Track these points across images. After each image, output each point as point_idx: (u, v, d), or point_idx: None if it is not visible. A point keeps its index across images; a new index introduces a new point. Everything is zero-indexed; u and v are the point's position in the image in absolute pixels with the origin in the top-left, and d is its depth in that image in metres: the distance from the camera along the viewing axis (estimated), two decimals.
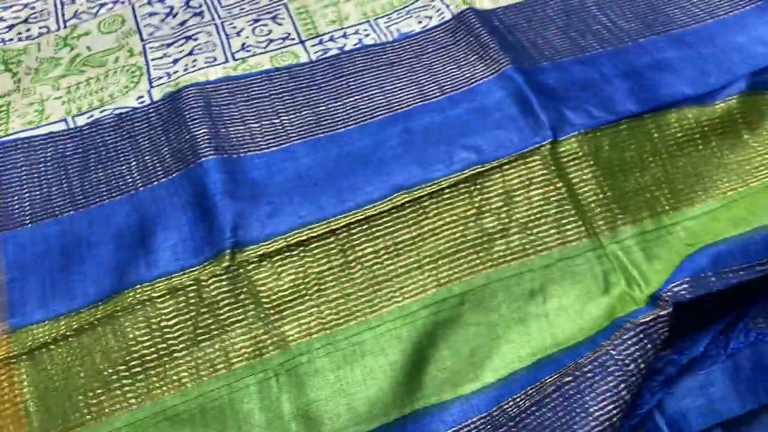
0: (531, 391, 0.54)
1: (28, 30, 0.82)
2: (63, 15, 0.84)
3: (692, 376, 0.55)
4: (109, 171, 0.67)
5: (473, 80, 0.71)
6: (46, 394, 0.56)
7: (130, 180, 0.66)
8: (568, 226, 0.61)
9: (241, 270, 0.59)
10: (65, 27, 0.82)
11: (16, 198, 0.66)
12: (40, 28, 0.82)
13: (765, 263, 0.55)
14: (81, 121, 0.70)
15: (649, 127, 0.66)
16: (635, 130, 0.65)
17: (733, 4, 0.75)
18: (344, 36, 0.77)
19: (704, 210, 0.62)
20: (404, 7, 0.80)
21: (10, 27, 0.83)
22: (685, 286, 0.54)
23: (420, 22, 0.78)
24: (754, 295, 0.57)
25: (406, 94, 0.71)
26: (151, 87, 0.73)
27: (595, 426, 0.50)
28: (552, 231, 0.61)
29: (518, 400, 0.54)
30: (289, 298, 0.58)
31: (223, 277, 0.58)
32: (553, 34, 0.75)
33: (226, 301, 0.58)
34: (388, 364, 0.56)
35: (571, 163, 0.63)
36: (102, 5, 0.84)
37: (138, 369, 0.56)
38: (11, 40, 0.81)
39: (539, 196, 0.62)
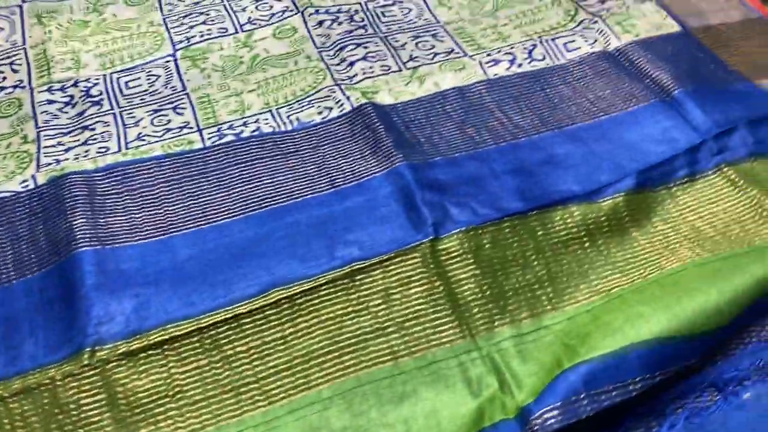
0: None
1: None
2: None
3: None
4: None
5: (364, 175, 0.70)
6: None
7: (5, 270, 0.64)
8: (444, 327, 0.59)
9: (99, 369, 0.56)
10: None
11: None
12: None
13: (638, 382, 0.54)
14: None
15: (533, 225, 0.65)
16: (519, 228, 0.65)
17: (627, 102, 0.77)
18: (244, 124, 0.77)
19: (587, 307, 0.61)
20: (306, 97, 0.80)
21: None
22: (556, 413, 0.52)
23: (320, 113, 0.78)
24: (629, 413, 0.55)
25: (297, 186, 0.70)
26: (37, 172, 0.71)
27: None
28: (428, 331, 0.59)
29: None
30: (148, 400, 0.55)
31: (80, 376, 0.55)
32: (449, 129, 0.75)
33: (81, 402, 0.55)
34: None
35: (451, 261, 0.62)
36: (2, 89, 0.83)
37: None
38: None
39: (417, 294, 0.61)
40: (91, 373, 0.56)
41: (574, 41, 0.84)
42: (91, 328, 0.57)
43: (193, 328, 0.58)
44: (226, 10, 0.95)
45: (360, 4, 0.95)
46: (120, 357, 0.56)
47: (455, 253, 0.62)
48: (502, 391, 0.56)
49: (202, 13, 0.95)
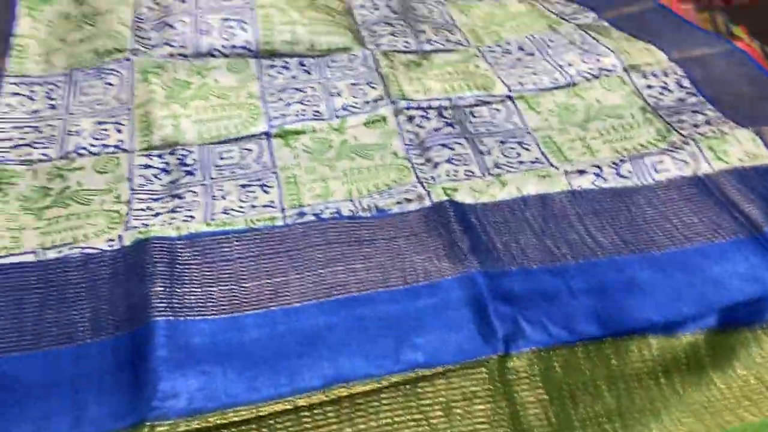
0: None
1: (29, 154, 0.85)
2: (65, 145, 0.87)
3: None
4: (63, 314, 0.67)
5: (437, 276, 0.70)
6: None
7: (81, 328, 0.65)
8: None
9: None
10: (65, 158, 0.85)
11: None
12: (41, 154, 0.86)
13: None
14: (50, 255, 0.71)
15: (608, 353, 0.63)
16: (592, 354, 0.63)
17: (714, 233, 0.74)
18: (325, 208, 0.78)
19: None
20: (388, 189, 0.81)
21: (15, 146, 0.86)
22: None
23: (399, 203, 0.79)
24: None
25: (369, 276, 0.70)
26: (125, 232, 0.74)
27: None
28: None
29: None
30: None
31: None
32: (527, 237, 0.75)
33: None
34: None
35: (519, 381, 0.61)
36: (105, 146, 0.87)
37: None
38: (12, 160, 0.84)
39: (480, 412, 0.59)
40: None
41: (662, 162, 0.82)
42: (155, 401, 0.58)
43: (252, 416, 0.58)
44: (322, 90, 0.98)
45: (449, 99, 0.96)
46: None
47: (524, 374, 0.61)
48: None
49: (298, 90, 0.98)
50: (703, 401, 0.61)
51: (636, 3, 1.19)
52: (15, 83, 0.95)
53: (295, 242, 0.74)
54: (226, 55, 1.03)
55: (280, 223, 0.76)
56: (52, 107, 0.93)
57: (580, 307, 0.67)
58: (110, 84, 0.96)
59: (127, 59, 0.99)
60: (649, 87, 0.96)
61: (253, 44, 1.04)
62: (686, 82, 0.97)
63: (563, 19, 1.17)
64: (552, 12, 1.19)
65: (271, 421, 0.58)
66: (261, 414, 0.58)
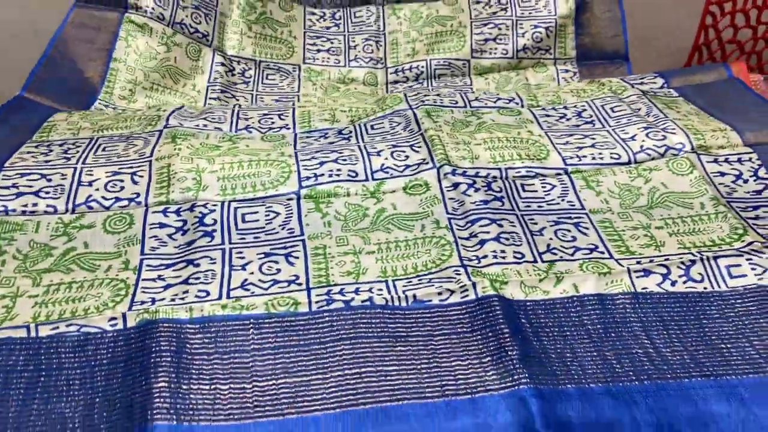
0: None
1: (35, 204, 0.78)
2: (74, 198, 0.80)
3: None
4: (53, 405, 0.58)
5: (480, 389, 0.61)
6: None
7: (71, 426, 0.57)
8: None
9: None
10: (72, 212, 0.78)
11: None
12: (47, 205, 0.78)
13: None
14: (44, 331, 0.63)
15: None
16: None
17: None
18: (356, 291, 0.70)
19: None
20: (427, 273, 0.73)
21: (18, 195, 0.79)
22: None
23: (440, 294, 0.70)
24: None
25: (402, 383, 0.61)
26: (129, 311, 0.66)
27: None
28: None
29: None
30: None
31: None
32: (585, 347, 0.65)
33: None
34: None
35: None
36: (118, 199, 0.80)
37: None
38: (14, 210, 0.77)
39: None
40: None
41: (740, 266, 0.72)
42: None
43: None
44: (360, 151, 0.91)
45: (500, 170, 0.88)
46: None
47: None
48: None
49: (334, 151, 0.91)
50: None
51: (709, 72, 1.09)
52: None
53: (320, 334, 0.65)
54: (262, 132, 0.98)
55: (304, 309, 0.68)
56: (66, 158, 0.86)
57: None
58: (133, 144, 0.90)
59: (159, 131, 0.94)
60: (721, 174, 0.87)
61: (291, 127, 0.99)
62: (763, 172, 0.87)
63: (627, 83, 1.09)
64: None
65: None
66: None
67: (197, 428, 0.57)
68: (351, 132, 0.97)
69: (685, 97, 1.04)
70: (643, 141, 0.92)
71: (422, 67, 1.23)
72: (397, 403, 0.60)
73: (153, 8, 1.12)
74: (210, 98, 1.14)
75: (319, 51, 1.26)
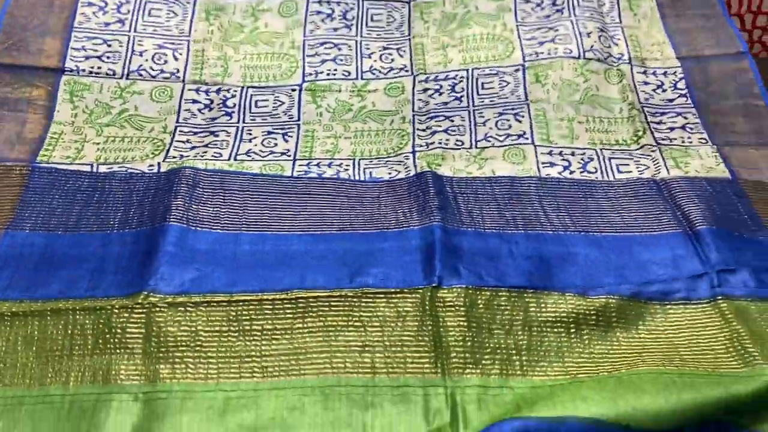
0: None
1: (99, 68, 1.01)
2: (129, 66, 1.03)
3: None
4: (102, 210, 0.84)
5: (405, 225, 0.83)
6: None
7: (113, 222, 0.83)
8: (422, 360, 0.70)
9: (146, 310, 0.72)
10: (127, 78, 1.02)
11: (29, 209, 0.84)
12: (108, 69, 1.01)
13: None
14: (102, 169, 0.89)
15: (528, 300, 0.74)
16: (514, 299, 0.74)
17: (653, 226, 0.84)
18: (328, 165, 0.94)
19: (551, 382, 0.69)
20: (386, 157, 0.96)
21: (86, 57, 1.02)
22: None
23: (389, 173, 0.93)
24: None
25: (351, 222, 0.84)
26: (164, 160, 0.91)
27: None
28: (408, 359, 0.70)
29: None
30: (173, 344, 0.70)
31: (131, 310, 0.71)
32: (490, 208, 0.87)
33: (126, 330, 0.71)
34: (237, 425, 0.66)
35: (445, 308, 0.73)
36: (162, 72, 1.04)
37: (44, 357, 0.69)
38: (83, 71, 1.00)
39: (408, 327, 0.72)
40: (140, 310, 0.72)
41: (627, 165, 0.93)
42: (153, 281, 0.74)
43: (225, 299, 0.73)
44: (357, 48, 1.11)
45: (467, 70, 1.08)
46: (164, 306, 0.72)
47: (450, 304, 0.73)
48: (450, 426, 0.65)
49: (335, 46, 1.11)
50: (604, 352, 0.71)
51: None
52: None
53: (296, 191, 0.89)
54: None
55: (288, 173, 0.92)
56: (121, 22, 1.07)
57: (515, 266, 0.78)
58: (174, 13, 1.10)
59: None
60: (645, 84, 1.06)
61: None
62: (682, 84, 1.06)
63: None
64: None
65: (239, 307, 0.73)
66: (232, 300, 0.73)
67: (201, 233, 0.81)
68: (353, 18, 1.15)
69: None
70: (594, 42, 1.09)
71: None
72: (345, 232, 0.83)
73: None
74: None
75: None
